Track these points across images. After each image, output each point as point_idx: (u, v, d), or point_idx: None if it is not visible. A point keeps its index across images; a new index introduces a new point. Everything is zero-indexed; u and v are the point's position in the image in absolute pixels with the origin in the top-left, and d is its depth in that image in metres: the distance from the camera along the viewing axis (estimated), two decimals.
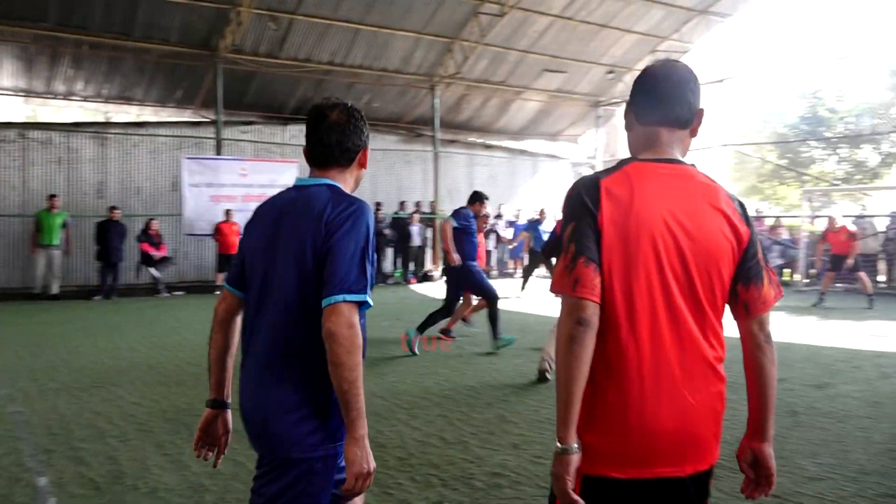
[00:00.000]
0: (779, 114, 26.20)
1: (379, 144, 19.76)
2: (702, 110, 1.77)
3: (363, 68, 17.81)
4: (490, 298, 7.92)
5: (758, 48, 37.70)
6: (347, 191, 2.06)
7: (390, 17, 16.46)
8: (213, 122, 16.38)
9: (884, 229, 15.72)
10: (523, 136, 23.35)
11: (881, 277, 15.85)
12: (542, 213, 15.58)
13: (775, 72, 20.70)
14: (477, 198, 8.39)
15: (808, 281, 15.84)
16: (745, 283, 1.70)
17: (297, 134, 18.32)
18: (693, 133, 1.79)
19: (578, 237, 1.64)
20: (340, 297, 1.81)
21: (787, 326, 9.50)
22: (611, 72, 21.03)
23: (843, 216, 13.35)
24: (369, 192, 19.29)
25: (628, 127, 1.83)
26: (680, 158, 1.76)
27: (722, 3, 19.25)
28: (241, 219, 15.35)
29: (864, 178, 24.27)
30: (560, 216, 1.83)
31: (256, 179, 15.98)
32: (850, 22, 40.50)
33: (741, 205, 1.74)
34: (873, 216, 16.46)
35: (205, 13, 14.95)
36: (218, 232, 14.90)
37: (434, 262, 18.84)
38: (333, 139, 2.02)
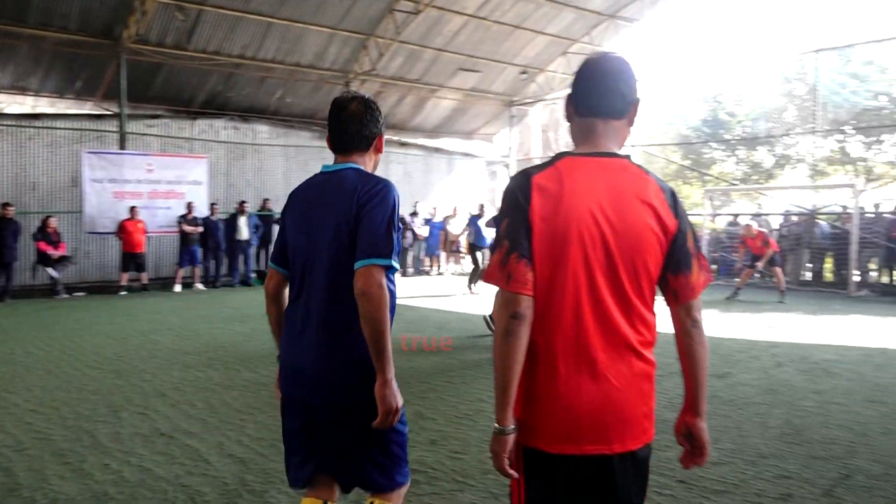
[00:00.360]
0: (682, 116, 27.34)
1: (292, 140, 19.42)
2: (638, 100, 1.84)
3: (276, 62, 17.43)
4: None
5: (663, 53, 39.23)
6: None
7: (304, 11, 16.18)
8: (117, 115, 15.67)
9: (777, 227, 16.64)
10: (438, 134, 23.45)
11: (780, 274, 16.79)
12: (481, 208, 15.43)
13: (680, 76, 21.54)
14: None
15: None
16: (674, 272, 1.78)
17: (206, 129, 17.77)
18: (630, 123, 1.86)
19: (511, 233, 1.73)
20: (370, 261, 2.08)
21: None
22: (524, 72, 21.39)
23: (742, 215, 14.05)
24: (282, 188, 18.92)
25: (568, 118, 1.89)
26: (614, 151, 1.82)
27: (629, 8, 19.89)
28: (146, 216, 14.77)
29: (759, 179, 25.61)
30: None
31: (164, 175, 15.41)
32: (748, 30, 42.66)
33: (672, 196, 1.79)
34: (768, 214, 17.40)
35: (107, 0, 14.27)
36: (122, 230, 14.26)
37: None
38: (353, 128, 2.30)
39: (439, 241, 19.32)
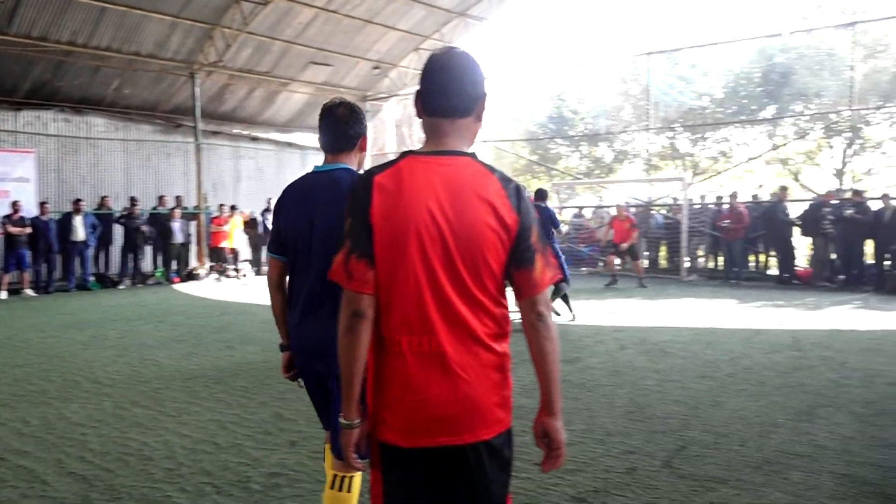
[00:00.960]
0: (529, 113, 28.46)
1: (133, 134, 18.28)
2: (484, 95, 1.87)
3: (111, 51, 16.25)
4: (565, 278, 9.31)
5: (511, 51, 40.66)
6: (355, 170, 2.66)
7: None
8: None
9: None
10: (291, 128, 22.90)
11: (617, 261, 17.92)
12: None
13: (526, 74, 22.38)
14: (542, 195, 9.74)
15: None
16: (517, 268, 1.80)
17: (32, 120, 16.32)
18: (478, 119, 1.89)
19: (352, 233, 1.79)
20: None
21: None
22: (376, 67, 21.39)
23: (587, 207, 14.85)
24: (122, 184, 17.80)
25: (418, 115, 1.90)
26: (460, 148, 1.84)
27: (479, 6, 20.41)
28: None
29: (601, 173, 27.15)
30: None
31: None
32: (588, 32, 45.05)
33: (517, 193, 1.80)
34: (608, 206, 18.49)
35: None
36: None
37: (199, 259, 17.84)
38: (340, 130, 2.62)
39: None
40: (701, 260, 16.88)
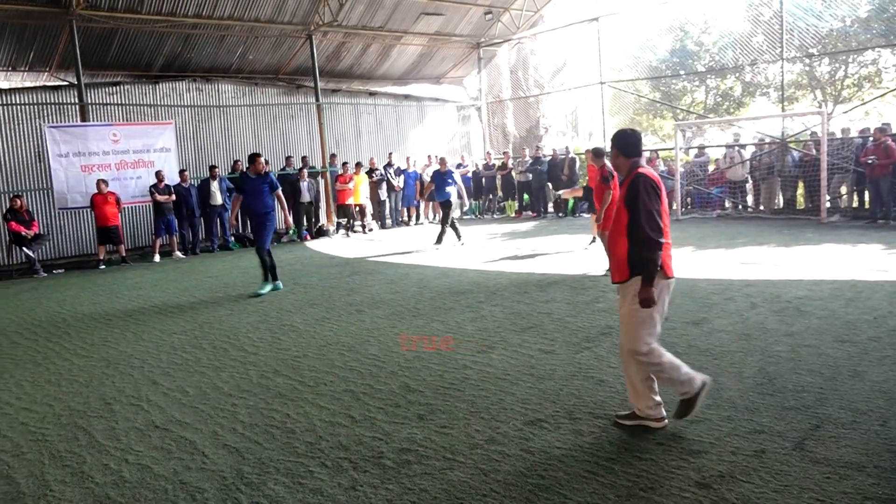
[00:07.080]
0: (651, 48, 27.08)
1: (259, 99, 19.07)
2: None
3: (234, 20, 16.95)
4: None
5: None
6: None
7: None
8: (74, 86, 15.25)
9: (748, 157, 16.76)
10: (407, 80, 23.12)
11: (749, 199, 17.03)
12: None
13: (644, 7, 21.24)
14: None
15: (684, 210, 16.79)
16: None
17: (169, 92, 17.41)
18: None
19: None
20: None
21: None
22: (489, 12, 21.02)
23: (710, 146, 13.95)
24: (253, 148, 18.69)
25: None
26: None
27: None
28: (118, 187, 14.57)
29: (730, 107, 25.60)
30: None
31: (131, 144, 15.13)
32: None
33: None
34: (742, 145, 17.44)
35: None
36: (92, 204, 14.06)
37: (328, 217, 18.58)
38: None
39: (415, 192, 19.28)
40: (845, 198, 15.70)
